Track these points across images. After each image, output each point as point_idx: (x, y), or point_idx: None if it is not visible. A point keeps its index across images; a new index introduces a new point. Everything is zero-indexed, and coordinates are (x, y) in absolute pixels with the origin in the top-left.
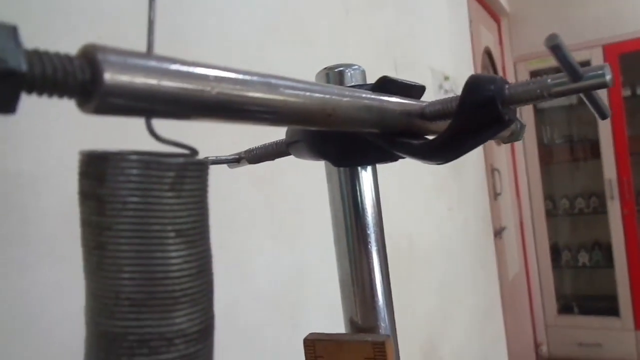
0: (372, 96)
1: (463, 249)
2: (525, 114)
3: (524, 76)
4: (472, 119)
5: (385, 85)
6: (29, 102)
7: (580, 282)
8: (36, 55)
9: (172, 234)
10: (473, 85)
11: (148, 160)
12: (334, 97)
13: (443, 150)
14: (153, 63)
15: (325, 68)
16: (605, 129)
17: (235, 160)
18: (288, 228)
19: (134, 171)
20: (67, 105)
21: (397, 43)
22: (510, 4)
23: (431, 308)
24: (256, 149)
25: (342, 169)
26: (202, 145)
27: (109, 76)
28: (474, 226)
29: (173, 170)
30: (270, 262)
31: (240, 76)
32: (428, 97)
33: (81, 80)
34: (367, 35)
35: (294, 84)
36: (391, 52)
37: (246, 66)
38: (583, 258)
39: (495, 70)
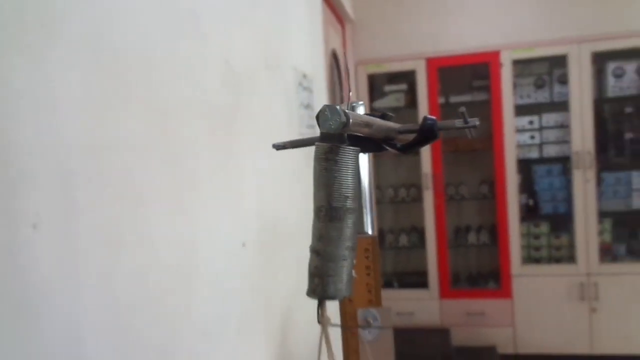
0: (384, 122)
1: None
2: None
3: (363, 78)
4: (424, 134)
5: (384, 116)
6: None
7: (399, 260)
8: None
9: (353, 176)
10: (426, 120)
11: (353, 149)
12: (377, 123)
13: (410, 148)
14: (353, 116)
15: (346, 102)
16: None
17: (283, 147)
18: (186, 204)
19: (350, 153)
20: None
21: (267, 42)
22: (354, 11)
23: (291, 280)
24: (296, 140)
25: (353, 153)
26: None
27: (350, 122)
28: None
29: (357, 153)
30: (167, 234)
31: (366, 118)
32: (290, 94)
33: (344, 122)
34: (245, 33)
35: (368, 119)
36: (264, 50)
37: (152, 47)
38: (403, 240)
39: (339, 71)
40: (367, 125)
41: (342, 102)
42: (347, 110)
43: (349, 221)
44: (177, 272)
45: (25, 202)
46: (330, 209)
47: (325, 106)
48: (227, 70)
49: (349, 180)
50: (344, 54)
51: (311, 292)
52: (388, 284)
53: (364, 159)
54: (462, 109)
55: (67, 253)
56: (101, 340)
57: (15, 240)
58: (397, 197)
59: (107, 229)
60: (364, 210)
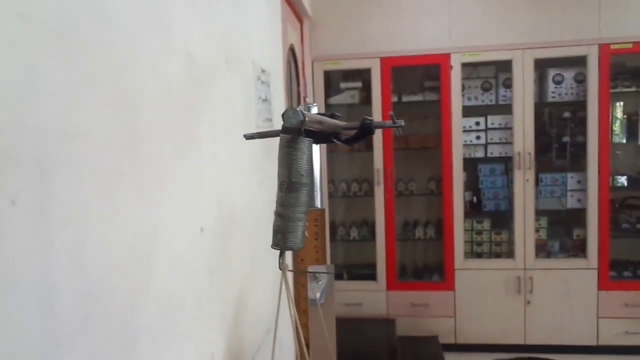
0: (332, 120)
1: (269, 218)
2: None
3: (319, 74)
4: (362, 131)
5: (333, 115)
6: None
7: (350, 253)
8: (300, 115)
9: (307, 159)
10: (364, 120)
11: (308, 139)
12: (327, 121)
13: (352, 141)
14: (309, 116)
15: (303, 104)
16: None
17: (252, 137)
18: (148, 189)
19: (305, 142)
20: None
21: (228, 37)
22: (312, 8)
23: (245, 265)
24: (263, 132)
25: (308, 143)
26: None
27: (306, 120)
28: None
29: (310, 143)
30: (131, 215)
31: (319, 117)
32: (249, 86)
33: (301, 120)
34: (206, 27)
35: (320, 117)
36: (225, 45)
37: (119, 41)
38: (354, 233)
39: (297, 66)
40: (319, 122)
41: (298, 95)
42: (304, 111)
43: (304, 192)
44: (139, 250)
45: (5, 180)
46: (290, 183)
47: (289, 108)
48: (189, 63)
49: (304, 162)
50: (303, 75)
51: (275, 245)
52: (338, 276)
53: (316, 149)
54: (391, 113)
55: (41, 228)
56: (69, 308)
57: None
58: (350, 192)
59: (77, 208)
60: (316, 189)
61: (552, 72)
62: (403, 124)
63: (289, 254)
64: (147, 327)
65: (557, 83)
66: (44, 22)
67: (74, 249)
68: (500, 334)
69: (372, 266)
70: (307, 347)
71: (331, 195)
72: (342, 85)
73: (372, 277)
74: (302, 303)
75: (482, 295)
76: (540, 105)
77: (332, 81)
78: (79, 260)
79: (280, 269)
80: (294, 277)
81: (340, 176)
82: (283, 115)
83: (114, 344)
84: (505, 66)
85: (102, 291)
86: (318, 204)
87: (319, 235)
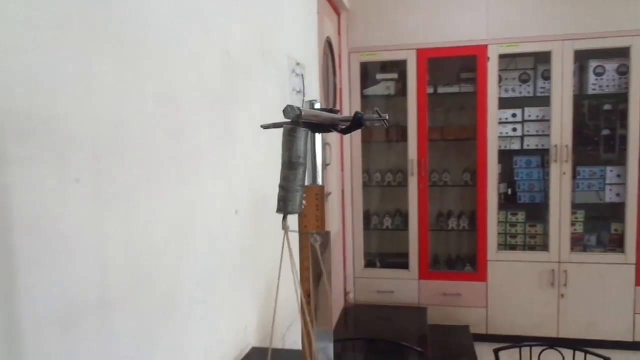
0: (328, 113)
1: None
2: (354, 99)
3: (355, 65)
4: (355, 123)
5: (332, 110)
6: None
7: (383, 241)
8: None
9: (304, 145)
10: (356, 114)
11: (304, 130)
12: (323, 114)
13: (346, 131)
14: (304, 110)
15: (308, 101)
16: (412, 118)
17: (268, 127)
18: (188, 173)
19: (302, 132)
20: None
21: (264, 32)
22: (349, 1)
23: (276, 246)
24: (277, 123)
25: (305, 132)
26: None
27: (303, 114)
28: None
29: (307, 132)
30: (173, 196)
31: (314, 112)
32: (284, 79)
33: (297, 114)
34: (243, 24)
35: (316, 112)
36: (260, 39)
37: (163, 40)
38: (387, 222)
39: (333, 58)
40: (315, 116)
41: (334, 87)
42: (301, 107)
43: (301, 170)
44: (178, 227)
45: (71, 162)
46: (290, 163)
47: (288, 105)
48: (226, 58)
49: (301, 147)
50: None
51: (279, 210)
52: (371, 263)
53: (318, 137)
54: (376, 108)
55: (98, 203)
56: (119, 274)
57: (64, 190)
58: (384, 181)
59: (126, 187)
60: (317, 170)
61: (593, 64)
62: (387, 117)
63: (292, 220)
64: (186, 297)
65: (598, 75)
66: (98, 25)
67: (124, 222)
68: (532, 326)
69: (405, 255)
70: (309, 296)
71: (365, 185)
72: (378, 76)
73: (405, 265)
74: (305, 261)
75: (515, 287)
76: (580, 97)
77: (369, 72)
78: (128, 233)
79: (282, 229)
80: (300, 241)
81: (375, 166)
82: (283, 110)
83: (157, 309)
84: (544, 57)
85: (147, 262)
86: (319, 181)
87: (319, 207)
